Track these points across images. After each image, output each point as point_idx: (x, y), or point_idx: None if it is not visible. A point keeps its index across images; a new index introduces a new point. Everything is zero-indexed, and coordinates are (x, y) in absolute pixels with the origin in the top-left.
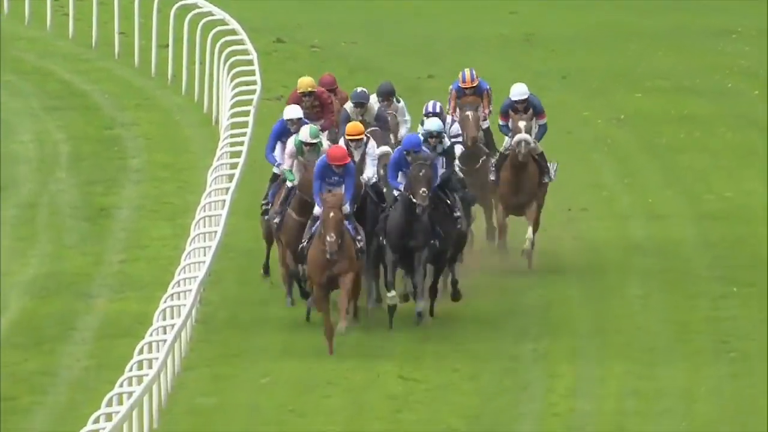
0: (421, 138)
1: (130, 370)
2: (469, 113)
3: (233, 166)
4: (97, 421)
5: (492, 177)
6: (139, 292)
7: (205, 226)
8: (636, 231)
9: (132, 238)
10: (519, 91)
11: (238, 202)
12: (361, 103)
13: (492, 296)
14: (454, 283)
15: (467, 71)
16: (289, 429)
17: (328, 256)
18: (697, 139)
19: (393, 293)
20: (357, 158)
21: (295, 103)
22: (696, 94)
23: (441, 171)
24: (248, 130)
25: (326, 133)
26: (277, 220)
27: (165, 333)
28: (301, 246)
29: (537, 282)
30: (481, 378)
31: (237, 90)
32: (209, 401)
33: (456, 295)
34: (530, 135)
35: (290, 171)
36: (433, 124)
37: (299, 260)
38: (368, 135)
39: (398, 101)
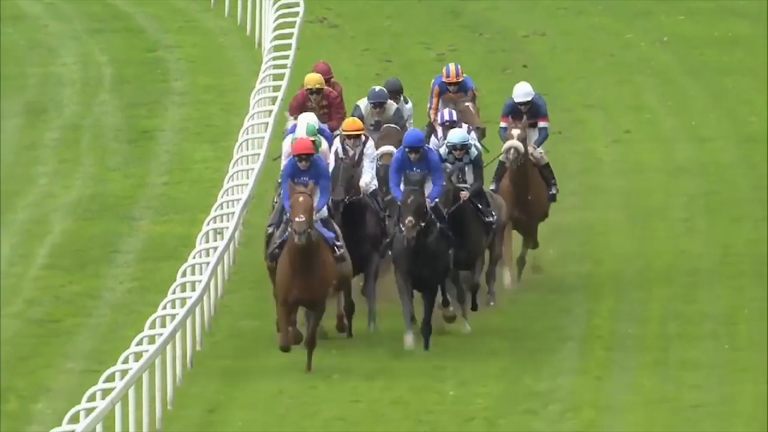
0: (446, 150)
1: (174, 292)
2: (468, 104)
3: (276, 88)
4: (140, 343)
5: (491, 187)
6: (182, 214)
7: (248, 149)
8: (679, 153)
9: (175, 161)
10: (523, 92)
11: (281, 125)
12: (380, 103)
13: None
14: (483, 292)
15: (452, 66)
16: (333, 348)
17: (296, 239)
18: (740, 61)
19: (410, 336)
20: (356, 157)
21: (300, 100)
22: (739, 16)
23: (470, 183)
24: (291, 53)
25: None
26: (271, 231)
27: (208, 255)
28: (270, 251)
29: (579, 204)
30: (523, 301)
31: (280, 12)
32: (252, 324)
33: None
34: (526, 145)
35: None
36: (456, 136)
37: (270, 270)
38: (367, 135)
39: (406, 102)
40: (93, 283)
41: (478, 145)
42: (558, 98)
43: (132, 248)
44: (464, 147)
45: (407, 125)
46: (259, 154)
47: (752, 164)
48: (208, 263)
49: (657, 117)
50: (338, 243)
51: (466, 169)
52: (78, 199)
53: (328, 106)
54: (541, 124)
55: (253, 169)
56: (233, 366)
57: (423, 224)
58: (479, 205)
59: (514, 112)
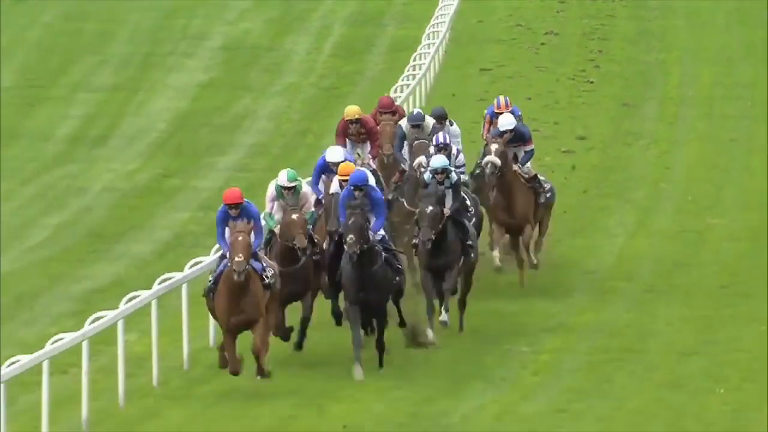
0: (430, 175)
1: (409, 69)
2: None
3: None
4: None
5: (491, 200)
6: (415, 22)
7: None
8: None
9: None
10: (506, 122)
11: None
12: (418, 124)
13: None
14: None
15: (502, 98)
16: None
17: (235, 276)
18: None
19: (359, 369)
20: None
21: (343, 129)
22: None
23: (450, 204)
24: None
25: (375, 159)
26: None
27: (429, 48)
28: (207, 287)
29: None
30: (620, 61)
31: None
32: None
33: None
34: (506, 158)
35: (271, 215)
36: (438, 161)
37: (208, 304)
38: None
39: (451, 124)
40: (358, 65)
41: (456, 167)
42: None
43: (383, 44)
44: (444, 171)
45: (457, 142)
46: None
47: None
48: (428, 53)
49: None
50: (267, 273)
51: (447, 194)
52: (351, 13)
53: (367, 133)
54: (527, 147)
55: None
56: None
57: (366, 244)
58: (460, 220)
59: (498, 136)
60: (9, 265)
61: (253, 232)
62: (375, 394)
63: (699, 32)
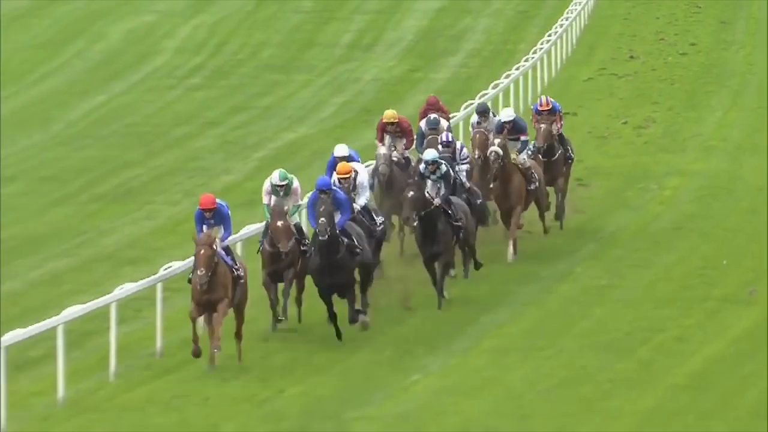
0: (423, 166)
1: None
2: (542, 125)
3: None
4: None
5: (491, 186)
6: None
7: None
8: None
9: None
10: (506, 114)
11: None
12: (434, 128)
13: None
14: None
15: (544, 98)
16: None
17: (198, 287)
18: None
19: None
20: (350, 188)
21: (382, 128)
22: None
23: (442, 193)
24: None
25: (408, 150)
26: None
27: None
28: (189, 277)
29: None
30: None
31: None
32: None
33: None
34: (506, 150)
35: (267, 207)
36: (428, 154)
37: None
38: (356, 171)
39: (494, 116)
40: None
41: (461, 159)
42: None
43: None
44: (435, 163)
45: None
46: None
47: None
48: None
49: None
50: (236, 266)
51: (440, 184)
52: None
53: (402, 131)
54: (522, 138)
55: None
56: None
57: (332, 229)
58: (449, 211)
59: (500, 128)
60: (309, 130)
61: (217, 239)
62: (493, 256)
63: None
